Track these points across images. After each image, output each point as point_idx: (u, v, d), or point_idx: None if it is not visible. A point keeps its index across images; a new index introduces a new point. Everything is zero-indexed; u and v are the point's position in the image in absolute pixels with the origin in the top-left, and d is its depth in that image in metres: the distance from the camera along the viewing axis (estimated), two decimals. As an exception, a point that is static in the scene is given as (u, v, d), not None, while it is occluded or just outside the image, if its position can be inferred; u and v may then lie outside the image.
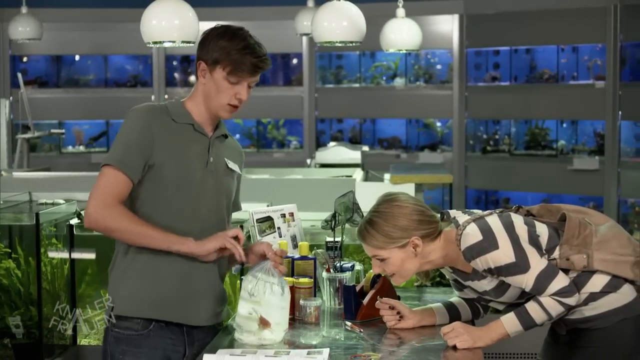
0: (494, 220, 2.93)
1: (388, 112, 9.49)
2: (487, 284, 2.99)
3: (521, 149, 9.04)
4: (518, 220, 2.96)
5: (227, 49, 2.85)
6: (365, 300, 3.23)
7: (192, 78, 9.48)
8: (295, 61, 9.64)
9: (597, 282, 2.94)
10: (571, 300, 2.89)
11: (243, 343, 2.86)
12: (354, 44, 4.61)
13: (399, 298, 3.39)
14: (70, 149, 9.73)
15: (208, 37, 2.91)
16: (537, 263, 2.88)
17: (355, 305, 3.20)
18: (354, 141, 9.29)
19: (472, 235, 2.90)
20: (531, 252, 2.90)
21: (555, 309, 2.88)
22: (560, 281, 2.88)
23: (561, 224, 3.01)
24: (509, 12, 8.68)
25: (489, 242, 2.88)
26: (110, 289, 2.94)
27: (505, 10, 8.72)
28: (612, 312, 2.95)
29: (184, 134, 2.92)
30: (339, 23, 4.55)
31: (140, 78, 9.80)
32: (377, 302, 3.11)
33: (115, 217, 2.81)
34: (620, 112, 8.04)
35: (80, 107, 9.59)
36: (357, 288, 3.28)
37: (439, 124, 9.57)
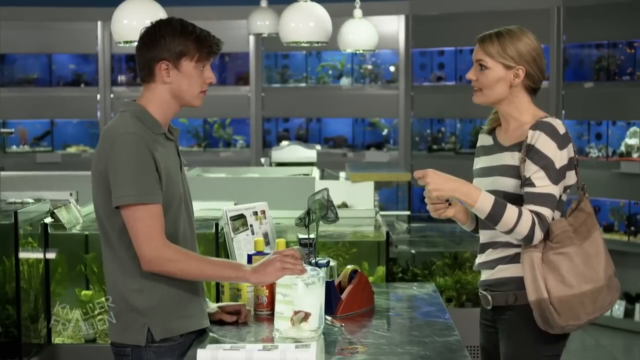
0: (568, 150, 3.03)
1: (334, 111, 9.56)
2: (497, 159, 3.17)
3: (466, 147, 9.16)
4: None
5: (189, 39, 2.87)
6: (344, 295, 3.30)
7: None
8: (241, 61, 9.65)
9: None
10: (537, 231, 2.94)
11: (282, 336, 2.92)
12: (320, 44, 4.68)
13: (373, 294, 3.48)
14: (14, 148, 9.63)
15: (159, 37, 2.87)
16: (555, 188, 2.97)
17: (335, 300, 3.27)
18: (301, 140, 9.34)
19: (559, 125, 3.01)
20: (560, 181, 2.99)
21: (525, 225, 2.94)
22: (548, 211, 2.96)
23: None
24: (453, 13, 8.83)
25: (558, 139, 2.98)
26: (128, 310, 2.84)
27: (450, 11, 8.87)
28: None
29: (163, 144, 2.88)
30: (306, 23, 4.61)
31: (85, 77, 9.72)
32: (426, 191, 3.13)
33: (172, 261, 2.78)
34: (563, 112, 8.25)
35: (24, 106, 9.48)
36: (335, 283, 3.35)
37: (384, 121, 9.67)
